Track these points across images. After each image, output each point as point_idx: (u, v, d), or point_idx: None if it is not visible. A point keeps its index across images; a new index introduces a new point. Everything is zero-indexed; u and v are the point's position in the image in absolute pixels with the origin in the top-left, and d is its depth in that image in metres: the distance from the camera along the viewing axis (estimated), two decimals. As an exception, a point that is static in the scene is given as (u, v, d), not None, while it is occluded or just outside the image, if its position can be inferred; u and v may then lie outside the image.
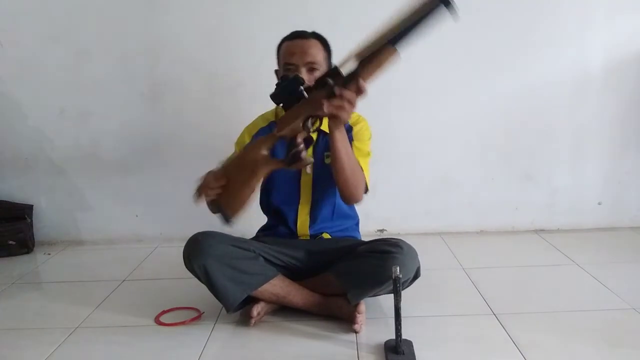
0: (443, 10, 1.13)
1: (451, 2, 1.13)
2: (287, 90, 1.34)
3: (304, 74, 1.49)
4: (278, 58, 1.62)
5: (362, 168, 1.54)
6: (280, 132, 1.36)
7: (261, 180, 1.40)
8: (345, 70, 1.27)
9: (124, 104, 2.36)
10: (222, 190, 1.41)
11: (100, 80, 2.34)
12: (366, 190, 1.57)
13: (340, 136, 1.41)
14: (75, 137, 2.40)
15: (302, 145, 1.34)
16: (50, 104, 2.37)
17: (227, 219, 1.44)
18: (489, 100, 2.31)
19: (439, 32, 2.29)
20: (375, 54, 1.22)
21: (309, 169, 1.57)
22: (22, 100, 2.38)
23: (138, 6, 2.28)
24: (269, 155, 1.37)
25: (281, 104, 1.39)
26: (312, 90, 1.32)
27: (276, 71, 1.63)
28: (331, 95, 1.27)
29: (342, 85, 1.26)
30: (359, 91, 1.26)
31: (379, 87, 2.28)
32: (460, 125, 2.33)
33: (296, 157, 1.34)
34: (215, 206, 1.44)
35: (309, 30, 1.62)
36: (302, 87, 1.31)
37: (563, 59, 2.27)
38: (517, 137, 2.34)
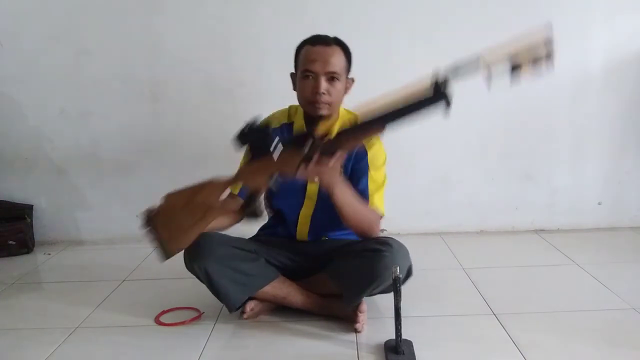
0: (441, 107, 1.12)
1: (451, 104, 1.11)
2: (258, 140, 1.25)
3: (323, 83, 1.44)
4: (296, 61, 1.53)
5: (375, 203, 1.51)
6: (240, 180, 1.30)
7: (210, 223, 1.33)
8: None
9: (124, 104, 2.36)
10: (165, 224, 1.32)
11: (100, 80, 2.34)
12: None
13: (339, 193, 1.37)
14: (75, 137, 2.40)
15: (262, 202, 1.28)
16: (50, 104, 2.37)
17: (165, 254, 1.34)
18: (489, 100, 2.31)
19: (439, 32, 2.32)
20: (364, 129, 1.19)
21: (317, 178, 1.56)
22: (22, 100, 2.38)
23: (138, 6, 2.27)
24: (221, 202, 1.31)
25: (247, 146, 1.30)
26: (287, 146, 1.24)
27: (292, 74, 1.56)
28: (307, 160, 1.22)
29: (319, 150, 1.22)
30: (336, 160, 1.24)
31: (380, 86, 2.29)
32: (460, 125, 2.32)
33: (254, 214, 1.29)
34: (156, 238, 1.34)
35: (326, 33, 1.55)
36: (275, 144, 1.23)
37: (563, 59, 2.26)
38: (517, 137, 2.34)
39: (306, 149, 1.22)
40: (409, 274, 1.47)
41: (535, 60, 1.03)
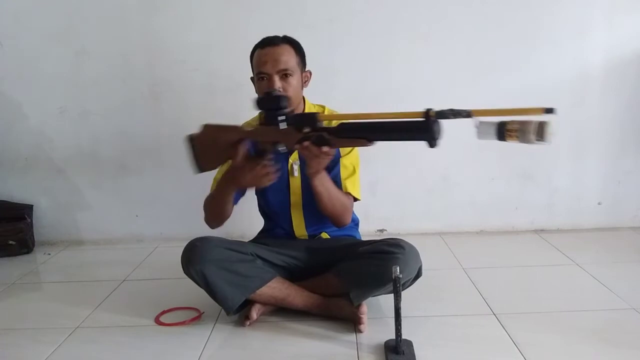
0: (429, 137, 1.14)
1: (435, 145, 1.14)
2: (271, 109, 1.35)
3: (277, 82, 1.49)
4: (252, 66, 1.60)
5: (348, 189, 1.57)
6: (254, 135, 1.39)
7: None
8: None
9: (124, 104, 2.36)
10: (199, 146, 1.46)
11: (100, 80, 2.34)
12: (356, 199, 1.62)
13: (318, 182, 1.45)
14: (75, 137, 2.40)
15: (270, 159, 1.39)
16: (50, 104, 2.37)
17: (195, 169, 1.49)
18: (489, 100, 2.30)
19: (438, 31, 2.32)
20: (352, 138, 1.25)
21: (295, 172, 1.59)
22: (22, 100, 2.38)
23: (138, 6, 2.27)
24: (238, 147, 1.40)
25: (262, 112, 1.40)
26: (292, 121, 1.33)
27: (252, 79, 1.62)
28: (301, 142, 1.31)
29: (315, 137, 1.29)
30: (324, 154, 1.30)
31: (379, 86, 2.30)
32: (460, 124, 2.32)
33: (263, 154, 1.39)
34: (192, 154, 1.48)
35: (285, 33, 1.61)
36: (282, 116, 1.32)
37: (563, 59, 2.27)
38: (517, 137, 2.34)
39: (305, 131, 1.30)
40: (418, 274, 1.49)
41: (523, 137, 1.07)
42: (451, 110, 1.10)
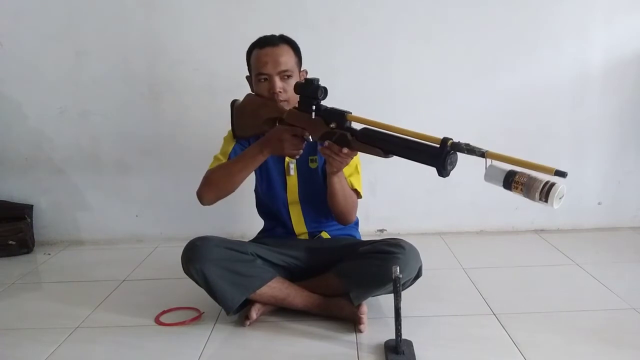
0: (441, 164, 1.14)
1: (446, 175, 1.15)
2: (306, 96, 1.37)
3: (278, 83, 1.50)
4: (249, 65, 1.59)
5: (354, 185, 1.58)
6: (288, 118, 1.42)
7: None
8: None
9: (124, 104, 2.36)
10: (238, 112, 1.56)
11: (100, 80, 2.34)
12: (359, 196, 1.62)
13: (337, 180, 1.48)
14: (75, 137, 2.40)
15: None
16: (50, 104, 2.37)
17: (233, 132, 1.60)
18: (489, 100, 2.31)
19: (438, 31, 2.32)
20: (371, 146, 1.27)
21: (292, 171, 1.60)
22: (22, 100, 2.38)
23: (138, 6, 2.27)
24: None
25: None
26: (322, 113, 1.35)
27: (247, 77, 1.61)
28: (325, 137, 1.34)
29: (338, 136, 1.32)
30: (345, 155, 1.33)
31: (379, 86, 2.30)
32: (460, 125, 2.32)
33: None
34: (232, 120, 1.58)
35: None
36: (314, 106, 1.35)
37: (563, 59, 2.27)
38: (517, 137, 2.33)
39: (331, 126, 1.33)
40: (418, 274, 1.50)
41: (528, 193, 1.04)
42: (467, 145, 1.10)
